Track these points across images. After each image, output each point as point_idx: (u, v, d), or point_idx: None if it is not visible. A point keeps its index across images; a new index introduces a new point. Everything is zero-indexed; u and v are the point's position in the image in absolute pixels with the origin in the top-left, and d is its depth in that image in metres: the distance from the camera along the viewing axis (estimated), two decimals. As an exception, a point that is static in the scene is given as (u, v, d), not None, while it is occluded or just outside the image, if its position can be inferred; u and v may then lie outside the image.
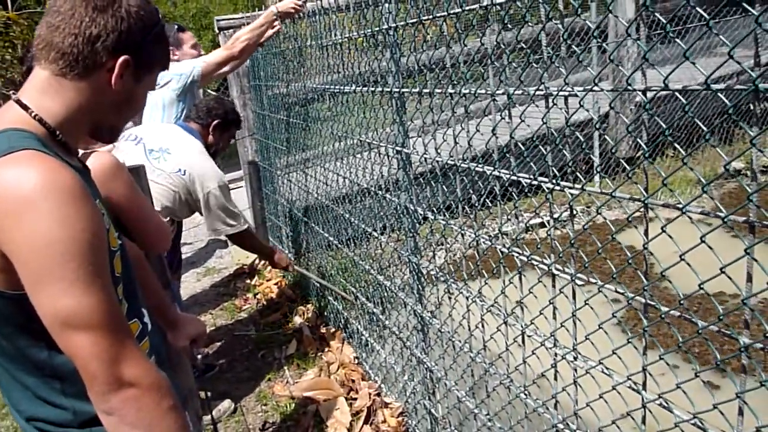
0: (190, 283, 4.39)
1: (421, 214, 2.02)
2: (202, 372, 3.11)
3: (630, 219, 1.13)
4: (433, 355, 2.21)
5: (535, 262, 1.44)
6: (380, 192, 2.32)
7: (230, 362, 3.25)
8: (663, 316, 1.10)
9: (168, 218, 2.56)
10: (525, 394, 1.63)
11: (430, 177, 1.92)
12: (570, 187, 1.26)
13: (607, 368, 1.29)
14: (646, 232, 1.11)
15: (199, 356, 3.24)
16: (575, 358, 1.40)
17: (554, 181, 1.29)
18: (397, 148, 2.05)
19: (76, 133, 0.94)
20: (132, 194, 1.59)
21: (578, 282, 1.33)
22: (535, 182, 1.36)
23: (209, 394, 2.85)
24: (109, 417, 0.84)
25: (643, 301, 1.15)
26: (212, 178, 2.59)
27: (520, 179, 1.41)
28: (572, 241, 1.28)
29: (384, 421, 2.53)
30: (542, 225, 5.40)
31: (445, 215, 1.83)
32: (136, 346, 0.87)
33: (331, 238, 3.08)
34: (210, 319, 3.79)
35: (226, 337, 3.52)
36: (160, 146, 2.59)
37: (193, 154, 2.61)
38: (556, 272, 1.40)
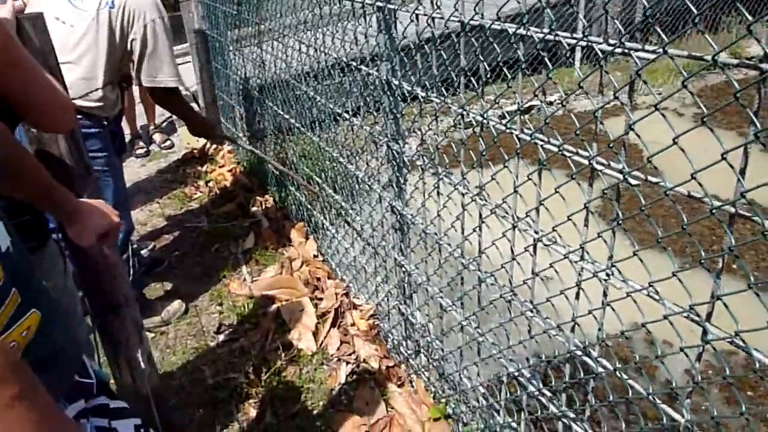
0: (134, 169, 3.93)
1: (406, 90, 1.63)
2: (148, 267, 2.78)
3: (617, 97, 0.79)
4: (412, 258, 1.94)
5: (540, 142, 1.11)
6: (353, 64, 1.90)
7: (180, 257, 2.93)
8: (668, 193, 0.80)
9: (108, 84, 2.09)
10: (532, 312, 1.37)
11: (422, 44, 1.51)
12: (637, 50, 0.90)
13: (657, 293, 1.01)
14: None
15: (144, 250, 2.89)
16: (609, 275, 1.13)
17: (615, 41, 0.92)
18: (379, 4, 1.61)
19: None
20: (12, 57, 1.13)
21: (597, 167, 1.03)
22: (582, 43, 0.99)
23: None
24: None
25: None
26: (152, 8, 2.09)
27: (560, 39, 1.03)
28: (596, 114, 0.94)
29: (353, 324, 2.30)
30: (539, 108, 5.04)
31: (438, 92, 1.46)
32: None
33: (293, 120, 2.67)
34: (157, 208, 3.41)
35: (176, 229, 3.17)
36: None
37: None
38: (570, 155, 1.08)
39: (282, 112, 2.81)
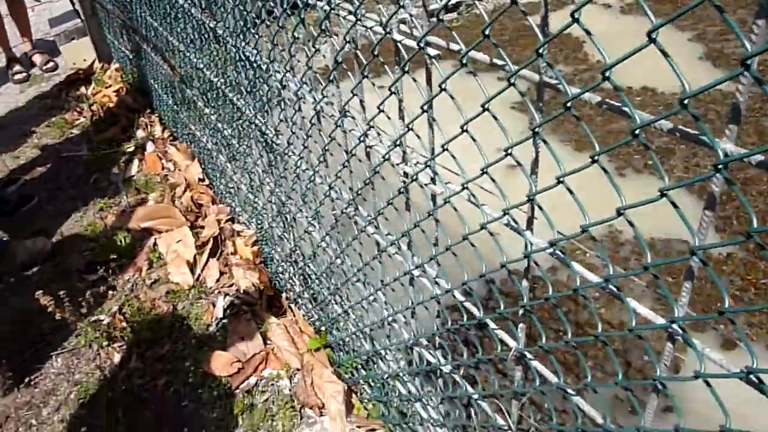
0: (11, 96, 3.49)
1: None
2: (14, 206, 2.48)
3: None
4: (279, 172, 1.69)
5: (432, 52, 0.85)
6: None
7: (54, 191, 2.62)
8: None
9: None
10: (376, 227, 1.16)
11: None
12: None
13: (474, 197, 0.80)
14: None
15: (12, 187, 2.57)
16: (434, 179, 0.91)
17: None
18: None
19: None
20: None
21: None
22: None
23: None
24: None
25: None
26: None
27: None
28: None
29: (234, 253, 2.08)
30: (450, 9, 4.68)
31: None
32: None
33: (160, 27, 2.30)
34: (34, 139, 3.04)
35: (52, 161, 2.83)
36: None
37: None
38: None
39: (152, 20, 2.42)
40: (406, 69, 0.85)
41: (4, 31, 3.49)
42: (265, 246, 2.03)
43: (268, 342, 1.79)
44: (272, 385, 1.70)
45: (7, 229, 2.36)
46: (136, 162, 2.67)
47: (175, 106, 2.58)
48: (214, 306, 1.92)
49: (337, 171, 1.18)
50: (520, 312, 0.86)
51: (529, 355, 0.87)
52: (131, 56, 3.16)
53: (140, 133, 2.85)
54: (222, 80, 1.79)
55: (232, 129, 1.87)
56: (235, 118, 1.81)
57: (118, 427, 1.62)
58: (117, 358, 1.79)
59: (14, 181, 2.62)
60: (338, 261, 1.41)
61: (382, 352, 1.42)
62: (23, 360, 1.81)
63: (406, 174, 0.97)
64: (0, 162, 2.81)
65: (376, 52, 0.90)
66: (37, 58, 3.69)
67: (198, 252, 2.09)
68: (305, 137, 1.31)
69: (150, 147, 2.73)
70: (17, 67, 3.61)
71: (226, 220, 2.20)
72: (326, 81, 1.06)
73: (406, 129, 0.90)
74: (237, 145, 1.86)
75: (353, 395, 1.63)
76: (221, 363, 1.73)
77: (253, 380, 1.71)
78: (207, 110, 2.09)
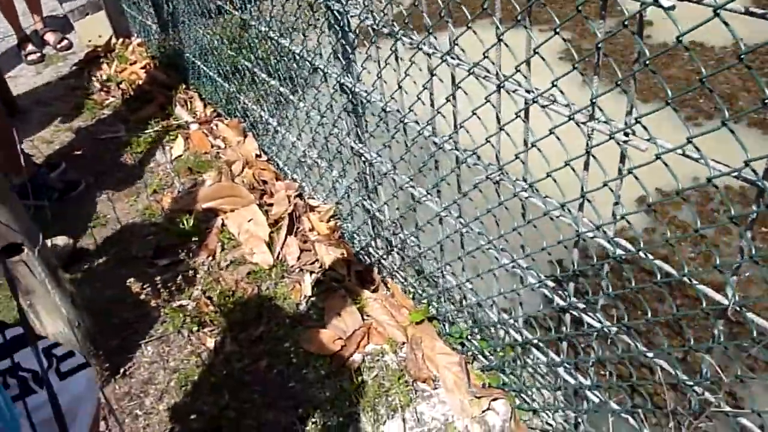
0: (28, 78, 3.34)
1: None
2: (60, 193, 2.37)
3: None
4: (372, 144, 1.63)
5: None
6: None
7: (97, 175, 2.51)
8: None
9: None
10: (526, 191, 1.11)
11: None
12: None
13: (698, 150, 0.75)
14: None
15: (54, 173, 2.47)
16: (629, 135, 0.86)
17: None
18: None
19: None
20: None
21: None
22: None
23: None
24: None
25: None
26: None
27: None
28: None
29: (312, 229, 2.02)
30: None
31: None
32: None
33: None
34: (63, 122, 2.91)
35: (89, 144, 2.71)
36: None
37: None
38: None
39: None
40: (626, 23, 0.80)
41: (14, 9, 3.31)
42: (347, 221, 1.97)
43: (366, 317, 1.75)
44: (378, 360, 1.66)
45: (57, 217, 2.27)
46: (181, 140, 2.57)
47: (222, 81, 2.48)
48: (299, 284, 1.87)
49: (488, 135, 1.13)
50: (735, 266, 0.83)
51: (744, 309, 0.85)
52: (158, 30, 3.02)
53: (179, 111, 2.74)
54: (306, 49, 1.71)
55: (313, 101, 1.79)
56: (317, 89, 1.73)
57: (228, 411, 1.58)
58: (210, 342, 1.74)
59: (55, 167, 2.50)
60: (463, 230, 1.36)
61: (511, 321, 1.40)
62: (112, 350, 1.75)
63: (592, 131, 0.92)
64: (33, 148, 2.69)
65: (579, 8, 0.84)
66: (50, 37, 3.51)
67: (272, 230, 2.03)
68: (430, 102, 1.25)
69: (194, 125, 2.62)
70: (30, 47, 3.44)
71: (295, 196, 2.14)
72: (495, 41, 1.00)
73: (615, 84, 0.84)
74: (319, 118, 1.79)
75: (467, 365, 1.60)
76: (322, 341, 1.69)
77: (357, 357, 1.67)
78: (273, 81, 2.00)
